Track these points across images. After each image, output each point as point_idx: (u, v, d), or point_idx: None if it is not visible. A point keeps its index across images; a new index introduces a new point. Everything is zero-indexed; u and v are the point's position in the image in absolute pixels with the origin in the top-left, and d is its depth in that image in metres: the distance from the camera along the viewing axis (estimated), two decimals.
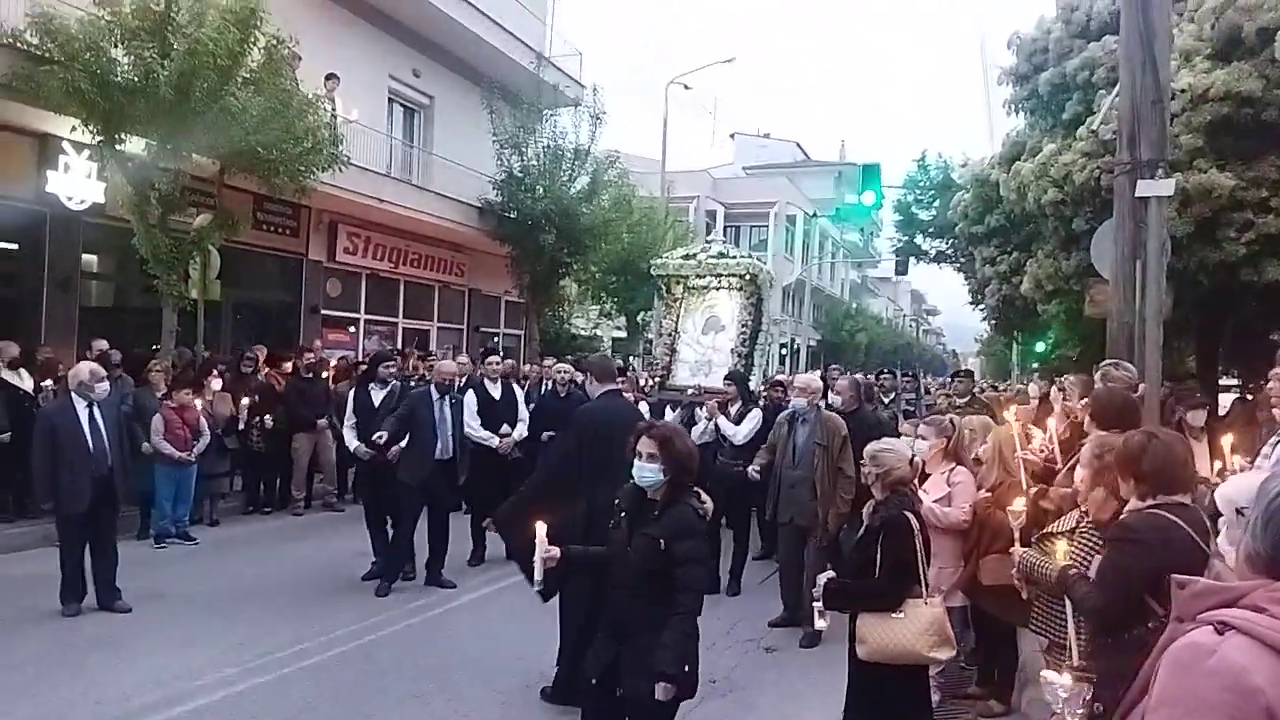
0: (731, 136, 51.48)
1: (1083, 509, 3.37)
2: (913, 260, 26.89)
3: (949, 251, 23.70)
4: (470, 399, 7.96)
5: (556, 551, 3.24)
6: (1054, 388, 7.83)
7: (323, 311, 14.93)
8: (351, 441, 7.17)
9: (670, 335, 9.74)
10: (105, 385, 6.28)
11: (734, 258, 9.58)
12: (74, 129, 9.17)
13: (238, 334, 13.22)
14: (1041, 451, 5.14)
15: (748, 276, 9.31)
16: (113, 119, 8.96)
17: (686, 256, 9.92)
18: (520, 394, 8.51)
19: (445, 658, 5.50)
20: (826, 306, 44.47)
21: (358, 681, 5.06)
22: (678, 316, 9.77)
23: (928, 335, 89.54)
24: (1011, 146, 13.04)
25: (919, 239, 26.14)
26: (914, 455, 4.66)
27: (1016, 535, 3.55)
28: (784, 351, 37.92)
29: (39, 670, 5.02)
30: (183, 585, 6.86)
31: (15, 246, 10.50)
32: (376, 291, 16.26)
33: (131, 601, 6.19)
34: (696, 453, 3.40)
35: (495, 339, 19.85)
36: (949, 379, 12.95)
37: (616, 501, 3.40)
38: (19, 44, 8.73)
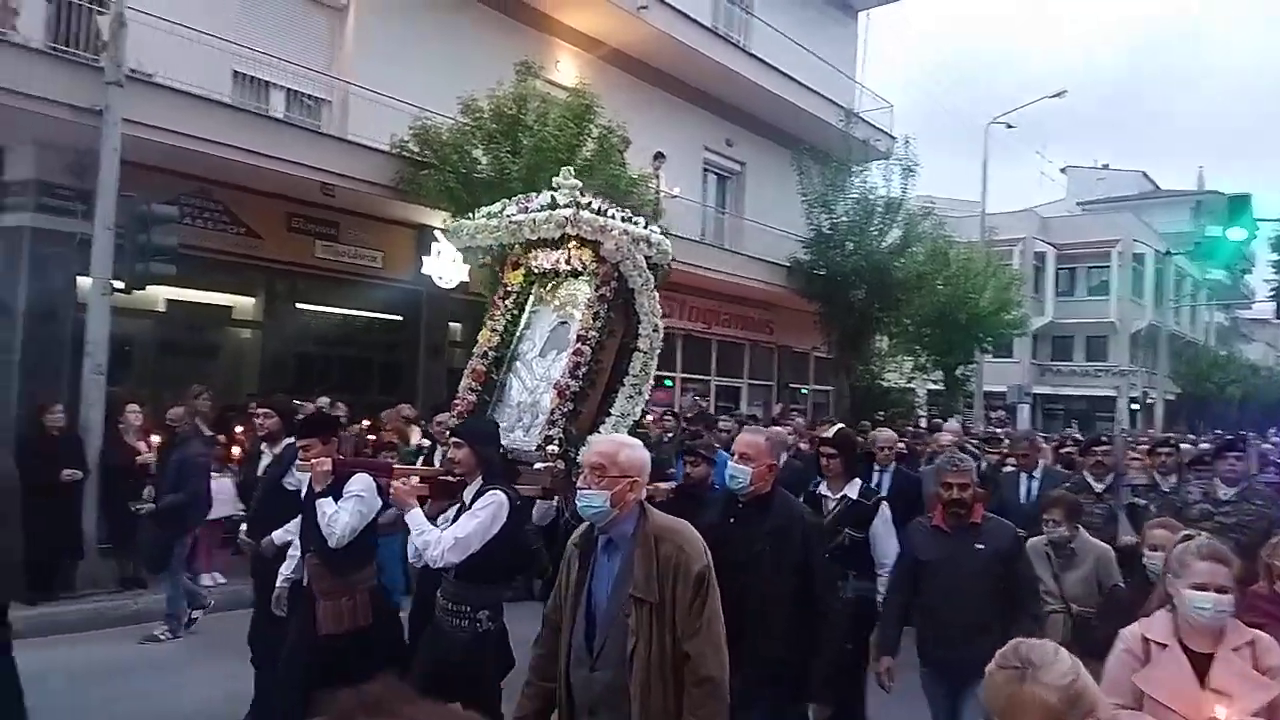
0: (1063, 170, 47.24)
1: None
2: None
3: None
4: None
5: None
6: None
7: None
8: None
9: (486, 354, 5.27)
10: None
11: (559, 208, 4.87)
12: (444, 220, 10.74)
13: None
14: None
15: (574, 247, 4.89)
16: (474, 211, 10.38)
17: (490, 215, 5.46)
18: None
19: None
20: (1187, 355, 38.76)
21: None
22: (506, 323, 5.39)
23: None
24: None
25: None
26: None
27: None
28: (1135, 407, 33.60)
29: None
30: None
31: (399, 319, 12.52)
32: (690, 351, 17.01)
33: None
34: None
35: (803, 393, 19.87)
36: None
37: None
38: (404, 152, 10.50)
